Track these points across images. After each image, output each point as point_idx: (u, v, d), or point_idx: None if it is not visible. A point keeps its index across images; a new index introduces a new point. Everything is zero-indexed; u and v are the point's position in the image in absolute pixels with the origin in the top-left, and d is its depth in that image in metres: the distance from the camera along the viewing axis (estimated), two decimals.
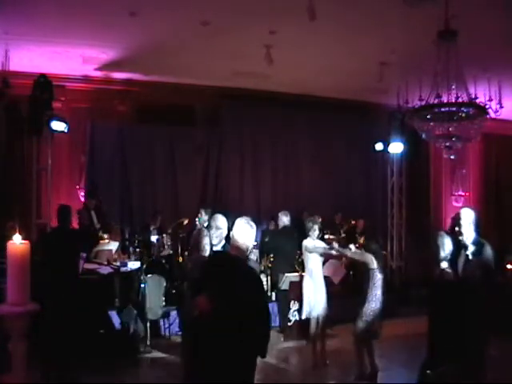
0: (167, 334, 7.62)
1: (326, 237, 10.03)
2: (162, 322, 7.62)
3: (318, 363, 6.35)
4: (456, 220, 4.98)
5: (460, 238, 4.71)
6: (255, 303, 3.25)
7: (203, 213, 7.22)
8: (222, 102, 10.71)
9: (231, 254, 3.49)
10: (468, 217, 4.76)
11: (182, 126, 10.59)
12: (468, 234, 4.68)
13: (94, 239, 7.89)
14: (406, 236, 11.20)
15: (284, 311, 7.78)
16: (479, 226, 4.81)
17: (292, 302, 7.69)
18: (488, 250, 4.63)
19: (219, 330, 3.14)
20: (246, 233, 3.46)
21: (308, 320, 6.48)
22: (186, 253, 8.63)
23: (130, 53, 8.45)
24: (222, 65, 8.99)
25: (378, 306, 5.67)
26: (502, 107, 5.92)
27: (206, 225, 6.63)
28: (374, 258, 5.75)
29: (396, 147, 10.41)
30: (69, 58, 8.64)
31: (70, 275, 5.94)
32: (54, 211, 6.50)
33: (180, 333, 7.62)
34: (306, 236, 6.61)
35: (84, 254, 6.74)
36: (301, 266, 8.17)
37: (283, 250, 8.03)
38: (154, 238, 9.22)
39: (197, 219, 7.54)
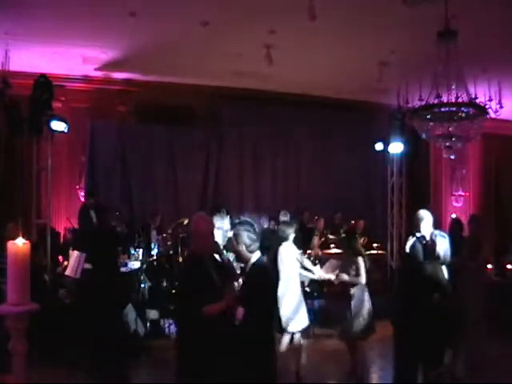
0: (167, 333, 7.60)
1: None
2: (162, 322, 7.59)
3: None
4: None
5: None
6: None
7: None
8: (222, 102, 10.73)
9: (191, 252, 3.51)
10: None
11: (182, 125, 10.59)
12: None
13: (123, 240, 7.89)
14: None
15: None
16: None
17: None
18: None
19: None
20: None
21: None
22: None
23: (130, 53, 8.47)
24: (222, 65, 8.99)
25: None
26: (501, 107, 5.93)
27: None
28: None
29: (396, 147, 10.40)
30: (69, 58, 8.65)
31: (110, 274, 5.92)
32: (55, 211, 6.46)
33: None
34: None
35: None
36: None
37: None
38: (153, 238, 9.21)
39: None
